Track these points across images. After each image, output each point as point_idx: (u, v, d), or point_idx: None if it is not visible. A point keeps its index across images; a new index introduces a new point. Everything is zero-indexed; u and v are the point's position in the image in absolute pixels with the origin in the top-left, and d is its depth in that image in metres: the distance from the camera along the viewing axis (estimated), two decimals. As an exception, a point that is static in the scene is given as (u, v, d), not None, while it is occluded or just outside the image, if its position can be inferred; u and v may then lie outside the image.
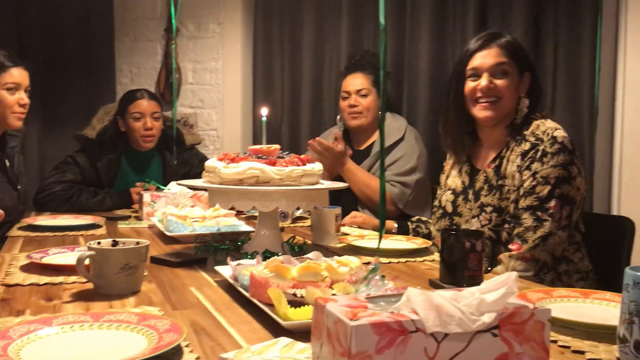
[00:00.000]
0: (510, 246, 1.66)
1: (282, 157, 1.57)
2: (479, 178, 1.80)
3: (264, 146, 1.58)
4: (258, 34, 3.54)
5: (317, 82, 3.34)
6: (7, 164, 2.30)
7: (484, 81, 1.74)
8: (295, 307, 0.98)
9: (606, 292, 1.18)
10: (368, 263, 1.51)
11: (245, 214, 2.37)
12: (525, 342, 0.69)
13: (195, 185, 1.60)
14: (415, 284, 1.35)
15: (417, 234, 2.02)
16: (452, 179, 1.91)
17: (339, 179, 2.48)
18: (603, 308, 1.12)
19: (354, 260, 1.16)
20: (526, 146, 1.70)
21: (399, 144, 2.56)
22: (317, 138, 2.45)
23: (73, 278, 1.30)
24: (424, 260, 1.62)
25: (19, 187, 2.37)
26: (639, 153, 2.53)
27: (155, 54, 3.78)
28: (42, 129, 3.45)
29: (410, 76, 2.96)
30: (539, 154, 1.66)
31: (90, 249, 1.21)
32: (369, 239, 1.83)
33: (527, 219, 1.64)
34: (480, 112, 1.77)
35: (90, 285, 1.24)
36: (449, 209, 1.87)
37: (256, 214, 1.75)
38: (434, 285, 1.31)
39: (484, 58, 1.75)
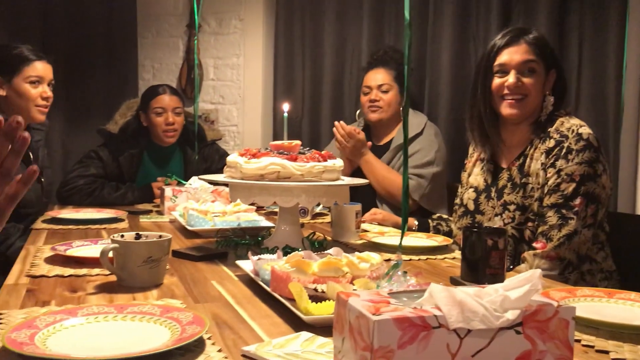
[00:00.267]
0: (534, 244, 1.64)
1: (303, 153, 1.57)
2: (502, 176, 1.78)
3: (285, 142, 1.58)
4: (279, 29, 3.55)
5: (338, 78, 3.34)
6: (31, 157, 2.33)
7: (511, 78, 1.73)
8: (316, 302, 0.98)
9: (631, 292, 1.16)
10: (389, 260, 1.50)
11: (265, 210, 2.38)
12: (549, 340, 0.69)
13: (217, 180, 1.61)
14: (436, 281, 1.34)
15: (437, 231, 2.01)
16: (474, 176, 1.90)
17: (358, 173, 2.48)
18: (627, 308, 1.11)
19: (375, 257, 1.16)
20: (550, 143, 1.68)
21: (417, 138, 2.56)
22: (341, 122, 2.46)
23: (97, 270, 1.32)
24: (445, 258, 1.61)
25: (42, 180, 2.41)
26: (665, 152, 2.48)
27: (177, 50, 3.81)
28: (66, 123, 3.50)
29: (432, 73, 2.95)
30: (564, 151, 1.64)
31: (114, 241, 1.22)
32: (390, 236, 1.82)
33: (552, 217, 1.62)
34: (506, 109, 1.75)
35: (113, 278, 1.26)
36: (471, 207, 1.86)
37: (276, 209, 1.75)
38: (455, 282, 1.30)
39: (512, 54, 1.73)
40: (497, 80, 1.77)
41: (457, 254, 1.62)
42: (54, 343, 0.85)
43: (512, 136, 1.81)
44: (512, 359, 0.67)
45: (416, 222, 2.06)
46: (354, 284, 1.06)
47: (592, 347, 0.92)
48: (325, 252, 1.22)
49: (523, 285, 0.69)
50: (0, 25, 2.77)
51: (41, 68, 2.26)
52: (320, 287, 1.04)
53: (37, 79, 2.25)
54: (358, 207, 1.83)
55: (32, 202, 2.21)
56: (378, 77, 2.64)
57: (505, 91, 1.74)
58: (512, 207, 1.71)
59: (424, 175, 2.49)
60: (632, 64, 2.52)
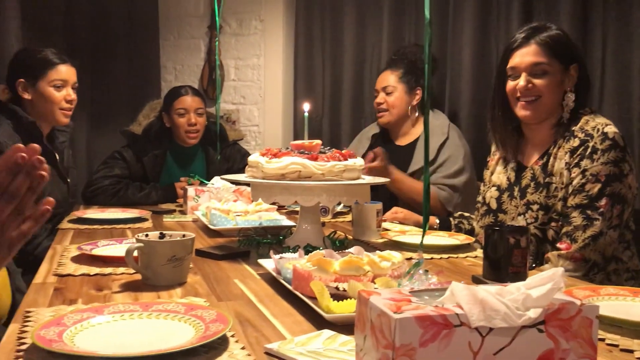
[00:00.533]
0: (558, 245, 1.62)
1: (324, 152, 1.57)
2: (526, 175, 1.76)
3: (306, 141, 1.59)
4: (299, 30, 3.55)
5: (358, 78, 3.33)
6: (57, 157, 2.38)
7: (522, 81, 1.72)
8: (338, 300, 0.99)
9: (657, 291, 1.14)
10: (410, 258, 1.50)
11: (286, 209, 2.39)
12: (572, 338, 0.68)
13: (239, 180, 1.63)
14: (457, 280, 1.33)
15: (459, 230, 2.00)
16: (497, 175, 1.89)
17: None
18: (653, 307, 1.09)
19: (396, 255, 1.16)
20: (575, 143, 1.66)
21: (445, 143, 2.53)
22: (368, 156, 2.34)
23: (122, 269, 1.34)
24: (467, 257, 1.60)
25: (68, 180, 2.45)
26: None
27: (198, 51, 3.84)
28: (90, 125, 3.55)
29: (453, 70, 2.93)
30: (589, 150, 1.62)
31: (138, 241, 1.24)
32: (411, 235, 1.82)
33: (577, 218, 1.60)
34: (520, 110, 1.75)
35: (138, 276, 1.28)
36: (494, 205, 1.85)
37: (297, 208, 1.76)
38: (477, 281, 1.30)
39: (522, 57, 1.72)
40: (510, 83, 1.76)
41: (479, 252, 1.62)
42: (82, 340, 0.86)
43: (536, 135, 1.80)
44: (534, 357, 0.67)
45: (437, 221, 2.05)
46: (375, 283, 1.06)
47: (617, 346, 0.91)
48: (347, 250, 1.22)
49: (545, 284, 0.69)
50: (26, 26, 2.81)
51: (65, 71, 2.30)
52: (341, 286, 1.05)
53: (62, 83, 2.28)
54: (379, 205, 1.83)
55: (59, 202, 2.25)
56: (382, 79, 2.68)
57: (518, 94, 1.73)
58: (535, 207, 1.70)
59: (456, 185, 2.47)
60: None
